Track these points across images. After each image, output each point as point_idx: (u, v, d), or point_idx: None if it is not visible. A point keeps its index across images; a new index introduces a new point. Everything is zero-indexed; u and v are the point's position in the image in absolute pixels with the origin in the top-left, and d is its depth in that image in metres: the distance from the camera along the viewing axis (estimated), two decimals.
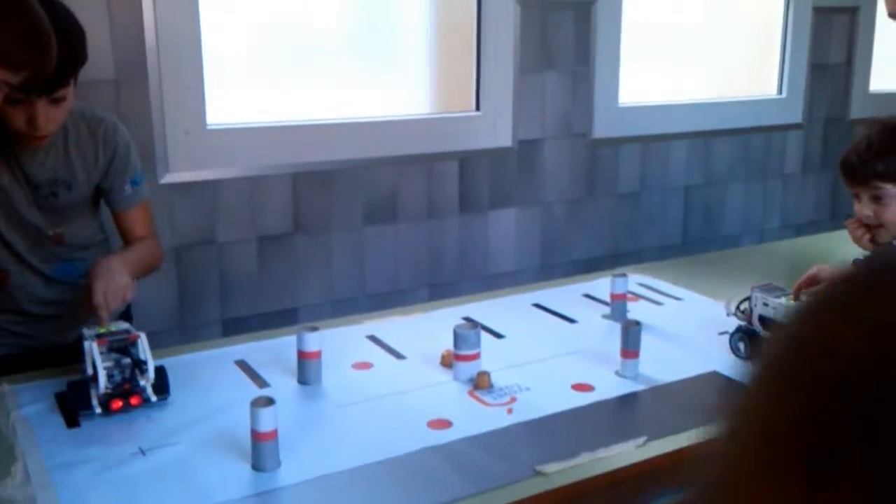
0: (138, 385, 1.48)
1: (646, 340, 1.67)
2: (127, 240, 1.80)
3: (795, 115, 3.51)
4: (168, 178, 2.26)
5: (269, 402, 1.30)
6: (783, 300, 1.69)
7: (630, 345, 1.63)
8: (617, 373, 1.65)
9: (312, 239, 2.52)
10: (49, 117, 1.54)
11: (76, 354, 1.63)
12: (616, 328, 1.77)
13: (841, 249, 2.53)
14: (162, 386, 1.51)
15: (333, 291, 2.59)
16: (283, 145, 2.42)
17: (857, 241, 2.01)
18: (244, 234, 2.41)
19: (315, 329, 1.61)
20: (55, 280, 1.77)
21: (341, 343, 1.78)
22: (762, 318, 1.70)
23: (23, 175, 1.65)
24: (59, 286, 1.78)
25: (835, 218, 3.66)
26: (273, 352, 1.75)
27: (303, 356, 1.59)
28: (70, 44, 1.51)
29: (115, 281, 1.58)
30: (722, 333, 1.80)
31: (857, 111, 3.68)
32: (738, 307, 1.77)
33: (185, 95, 2.24)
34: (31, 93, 1.49)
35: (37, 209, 1.69)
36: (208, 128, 2.29)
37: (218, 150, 2.33)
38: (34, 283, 1.75)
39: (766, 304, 1.70)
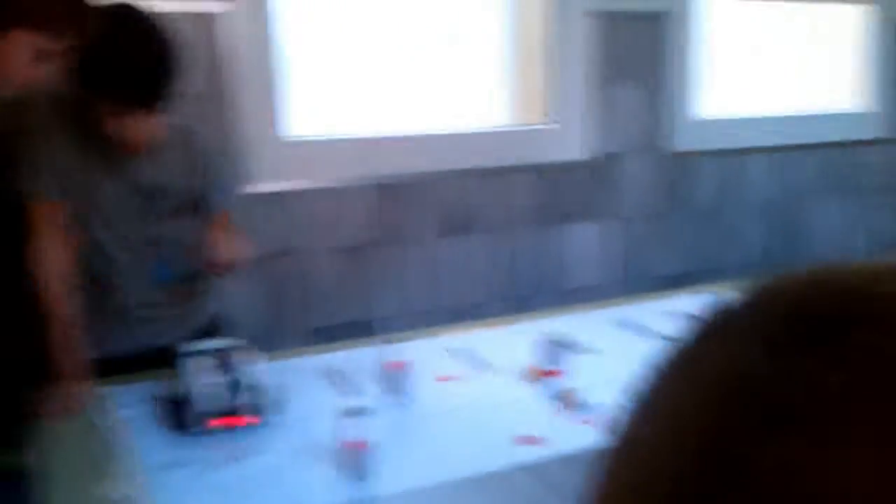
0: (239, 405, 1.49)
1: None
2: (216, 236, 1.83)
3: (881, 129, 3.42)
4: (251, 189, 2.30)
5: (361, 411, 1.31)
6: None
7: None
8: None
9: (388, 251, 2.53)
10: (150, 128, 1.61)
11: (176, 358, 1.68)
12: None
13: None
14: (264, 407, 1.51)
15: (408, 303, 2.59)
16: (361, 158, 2.44)
17: None
18: (320, 245, 2.44)
19: (401, 340, 1.61)
20: (154, 284, 1.81)
21: (424, 355, 1.78)
22: None
23: (126, 183, 1.70)
24: (157, 291, 1.82)
25: None
26: (358, 362, 1.76)
27: (389, 367, 1.59)
28: (169, 58, 1.57)
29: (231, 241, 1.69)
30: None
31: None
32: None
33: (267, 107, 2.27)
34: (134, 106, 1.55)
35: (141, 215, 1.74)
36: (289, 140, 2.33)
37: (298, 161, 2.35)
38: (132, 287, 1.79)
39: None
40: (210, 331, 1.97)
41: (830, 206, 3.37)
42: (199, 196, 1.81)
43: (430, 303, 2.63)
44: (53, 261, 1.66)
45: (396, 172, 2.50)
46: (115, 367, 1.71)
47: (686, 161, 2.99)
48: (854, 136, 3.37)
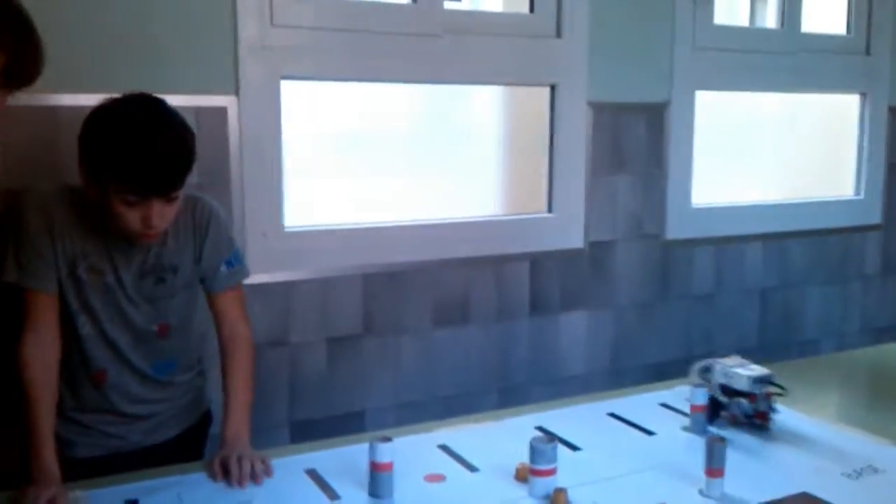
0: None
1: (730, 455, 1.59)
2: (219, 322, 1.83)
3: (874, 216, 3.43)
4: (246, 280, 2.29)
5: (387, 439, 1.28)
6: (743, 371, 1.84)
7: (715, 463, 1.56)
8: (701, 492, 1.58)
9: (382, 341, 2.52)
10: (163, 216, 1.61)
11: (165, 456, 1.71)
12: (697, 441, 1.70)
13: None
14: None
15: (402, 394, 2.57)
16: (356, 247, 2.45)
17: None
18: (315, 336, 2.42)
19: (388, 440, 1.58)
20: (153, 379, 1.80)
21: (412, 452, 1.74)
22: (723, 387, 1.87)
23: (128, 269, 1.70)
24: (155, 385, 1.81)
25: None
26: (343, 460, 1.72)
27: (375, 468, 1.56)
28: (186, 148, 1.61)
29: (249, 460, 1.62)
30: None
31: None
32: (701, 372, 1.92)
33: (265, 199, 2.29)
34: (149, 195, 1.56)
35: (142, 300, 1.73)
36: (286, 230, 2.34)
37: (293, 252, 2.36)
38: (131, 383, 1.78)
39: (727, 375, 1.86)
40: (194, 435, 1.94)
41: (825, 291, 3.36)
42: (203, 270, 1.79)
43: (424, 393, 2.60)
44: (39, 352, 1.65)
45: (391, 261, 2.50)
46: (101, 468, 1.68)
47: (680, 248, 2.99)
48: (848, 223, 3.38)
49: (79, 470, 1.67)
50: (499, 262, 2.68)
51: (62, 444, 1.70)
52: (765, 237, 3.18)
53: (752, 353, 3.13)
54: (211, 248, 1.79)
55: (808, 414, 2.03)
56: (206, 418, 2.00)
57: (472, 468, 1.70)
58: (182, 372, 1.88)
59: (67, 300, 1.70)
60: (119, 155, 1.54)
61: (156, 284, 1.73)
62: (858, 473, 1.68)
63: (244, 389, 1.81)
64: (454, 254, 2.60)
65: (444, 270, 2.60)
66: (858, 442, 1.85)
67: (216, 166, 2.23)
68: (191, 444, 1.92)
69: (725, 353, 3.06)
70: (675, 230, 2.98)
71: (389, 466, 1.56)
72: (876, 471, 1.69)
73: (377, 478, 1.55)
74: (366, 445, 1.61)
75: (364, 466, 1.59)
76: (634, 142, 2.86)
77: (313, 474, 1.66)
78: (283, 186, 2.32)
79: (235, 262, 1.85)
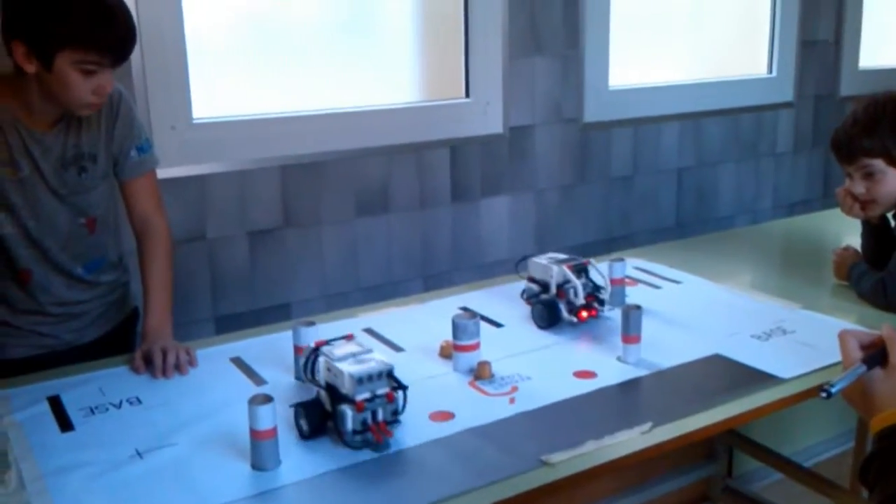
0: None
1: (646, 325, 1.65)
2: (132, 212, 1.82)
3: (786, 94, 3.49)
4: (159, 175, 2.22)
5: (268, 399, 1.27)
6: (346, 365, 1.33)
7: (631, 330, 1.61)
8: (619, 359, 1.63)
9: (303, 232, 2.49)
10: (111, 85, 1.61)
11: (96, 354, 1.71)
12: (615, 313, 1.75)
13: (834, 228, 2.52)
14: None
15: (327, 285, 2.56)
16: (271, 138, 2.39)
17: (848, 211, 1.99)
18: (234, 230, 2.38)
19: (311, 323, 1.58)
20: (79, 279, 1.76)
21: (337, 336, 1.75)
22: (329, 386, 1.35)
23: (47, 160, 1.64)
24: (82, 285, 1.77)
25: (827, 196, 3.65)
26: (269, 348, 1.72)
27: (300, 351, 1.56)
28: (130, 16, 1.58)
29: (172, 351, 1.64)
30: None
31: (847, 88, 3.66)
32: (307, 364, 1.41)
33: (171, 89, 2.20)
34: (109, 63, 1.56)
35: (67, 193, 1.68)
36: (195, 122, 2.26)
37: (205, 144, 2.29)
38: (57, 284, 1.73)
39: (329, 370, 1.35)
40: (128, 329, 1.92)
41: (739, 169, 3.44)
42: (115, 157, 1.76)
43: (349, 284, 2.59)
44: None
45: (309, 152, 2.45)
46: (37, 366, 1.67)
47: (598, 131, 3.01)
48: (761, 101, 3.44)
49: (14, 370, 1.65)
50: (419, 150, 2.65)
51: None
52: (681, 117, 3.21)
53: (669, 232, 3.22)
54: (122, 131, 1.74)
55: (721, 283, 2.10)
56: (135, 315, 1.97)
57: (397, 348, 1.72)
58: (110, 269, 1.84)
59: None
60: (83, 19, 1.51)
61: (78, 175, 1.69)
62: (768, 335, 1.76)
63: (162, 281, 1.78)
64: (373, 142, 2.55)
65: (364, 159, 2.56)
66: (768, 306, 1.93)
67: None
68: (122, 342, 1.90)
69: (634, 235, 3.14)
70: (593, 113, 2.98)
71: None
72: (784, 332, 1.77)
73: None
74: (290, 332, 1.61)
75: (289, 352, 1.60)
76: (551, 23, 2.82)
77: (238, 362, 1.66)
78: (189, 75, 2.22)
79: (147, 149, 1.81)
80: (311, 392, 1.40)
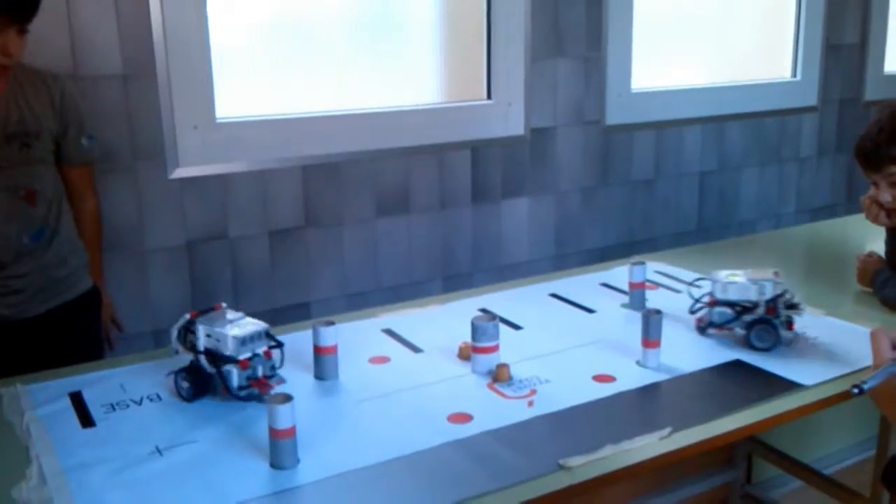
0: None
1: (666, 329, 1.64)
2: (73, 194, 1.92)
3: (810, 98, 3.47)
4: (178, 173, 2.24)
5: (287, 398, 1.28)
6: (228, 330, 1.43)
7: (651, 334, 1.60)
8: (638, 363, 1.62)
9: (324, 232, 2.50)
10: (19, 47, 1.65)
11: (34, 332, 1.82)
12: (635, 317, 1.74)
13: (858, 234, 2.50)
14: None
15: (347, 285, 2.57)
16: (293, 138, 2.40)
17: (874, 220, 1.97)
18: (256, 229, 2.39)
19: (331, 323, 1.58)
20: (24, 253, 1.80)
21: (357, 337, 1.76)
22: (208, 351, 1.44)
23: None
24: (27, 259, 1.80)
25: (851, 201, 3.62)
26: (288, 347, 1.72)
27: (319, 351, 1.56)
28: None
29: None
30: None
31: (871, 93, 3.63)
32: (179, 335, 1.47)
33: (194, 89, 2.22)
34: (12, 20, 1.60)
35: (7, 166, 1.73)
36: (218, 121, 2.27)
37: (228, 143, 2.30)
38: (2, 259, 1.77)
39: (209, 336, 1.43)
40: (81, 308, 1.95)
41: (762, 173, 3.42)
42: (62, 140, 1.84)
43: (369, 283, 2.60)
44: None
45: (331, 152, 2.46)
46: None
47: (620, 134, 3.00)
48: (785, 105, 3.41)
49: None
50: (440, 151, 2.65)
51: None
52: (703, 120, 3.19)
53: (691, 236, 3.21)
54: (69, 116, 1.84)
55: None
56: (89, 300, 1.98)
57: (415, 349, 1.72)
58: (57, 243, 1.86)
59: None
60: None
61: (20, 150, 1.75)
62: (790, 341, 1.74)
63: (94, 251, 2.00)
64: (394, 143, 2.56)
65: (385, 160, 2.56)
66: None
67: (140, 56, 2.14)
68: (64, 323, 1.90)
69: (655, 238, 3.12)
70: (615, 115, 2.98)
71: (333, 349, 1.57)
72: (808, 339, 1.75)
73: (321, 360, 1.56)
74: (309, 332, 1.61)
75: (309, 351, 1.60)
76: (574, 25, 2.82)
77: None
78: (213, 75, 2.24)
79: (94, 139, 1.94)
80: (184, 362, 1.48)
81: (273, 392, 1.41)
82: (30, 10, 1.65)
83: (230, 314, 1.49)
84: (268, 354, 1.46)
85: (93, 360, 1.83)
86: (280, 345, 1.48)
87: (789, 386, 1.54)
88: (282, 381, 1.47)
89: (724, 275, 1.73)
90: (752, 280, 1.70)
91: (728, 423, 1.42)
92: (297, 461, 1.29)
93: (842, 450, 2.94)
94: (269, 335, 1.46)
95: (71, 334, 1.90)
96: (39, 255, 1.83)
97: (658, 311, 1.62)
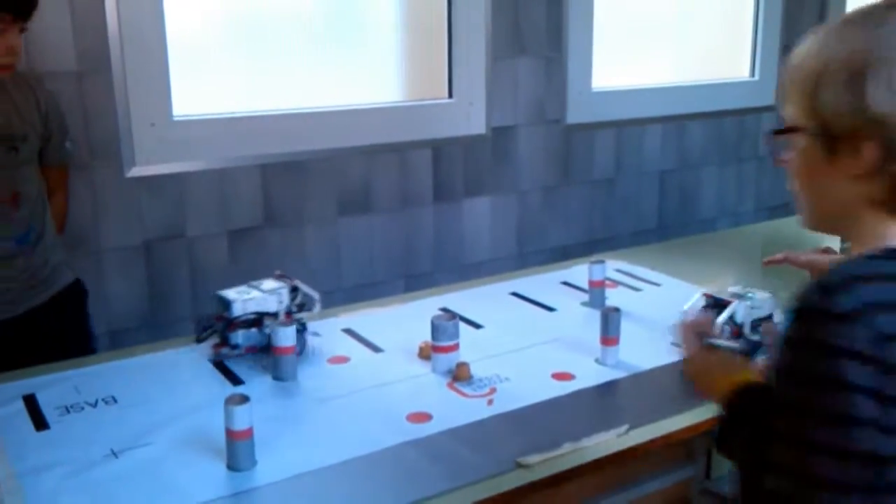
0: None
1: (625, 327, 1.65)
2: (50, 191, 1.94)
3: (768, 98, 3.51)
4: (135, 172, 2.21)
5: (244, 399, 1.27)
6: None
7: (610, 332, 1.61)
8: (597, 360, 1.63)
9: (284, 231, 2.48)
10: (17, 45, 1.67)
11: (29, 328, 1.83)
12: (595, 315, 1.75)
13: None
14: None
15: (308, 284, 2.54)
16: (252, 136, 2.38)
17: None
18: (214, 228, 2.37)
19: (290, 323, 1.57)
20: (8, 257, 1.80)
21: (318, 336, 1.75)
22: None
23: None
24: (13, 262, 1.81)
25: None
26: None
27: (277, 351, 1.55)
28: None
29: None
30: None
31: None
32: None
33: (150, 86, 2.19)
34: (15, 17, 1.63)
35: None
36: (174, 119, 2.24)
37: (185, 141, 2.28)
38: None
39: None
40: (66, 301, 1.94)
41: (722, 172, 3.46)
42: (46, 142, 1.86)
43: (330, 283, 2.59)
44: None
45: (291, 150, 2.44)
46: None
47: (581, 133, 3.01)
48: (744, 104, 3.46)
49: None
50: (401, 150, 2.65)
51: None
52: (664, 120, 3.22)
53: (651, 234, 3.23)
54: (57, 124, 1.89)
55: (701, 286, 2.11)
56: (71, 292, 1.98)
57: (376, 349, 1.71)
58: (40, 247, 1.86)
59: None
60: None
61: (7, 153, 1.75)
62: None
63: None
64: (355, 142, 2.55)
65: (346, 159, 2.55)
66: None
67: (95, 52, 2.11)
68: (56, 318, 1.91)
69: (615, 237, 3.14)
70: (576, 114, 2.99)
71: (291, 350, 1.56)
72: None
73: (279, 361, 1.55)
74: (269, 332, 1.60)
75: (268, 352, 1.59)
76: (535, 24, 2.83)
77: (217, 362, 1.65)
78: (170, 72, 2.21)
79: (74, 142, 2.01)
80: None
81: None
82: (31, 6, 1.67)
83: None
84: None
85: (86, 352, 1.85)
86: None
87: None
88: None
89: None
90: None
91: (685, 419, 1.44)
92: (255, 462, 1.28)
93: None
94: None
95: (60, 328, 1.90)
96: (25, 258, 1.83)
97: (616, 309, 1.63)
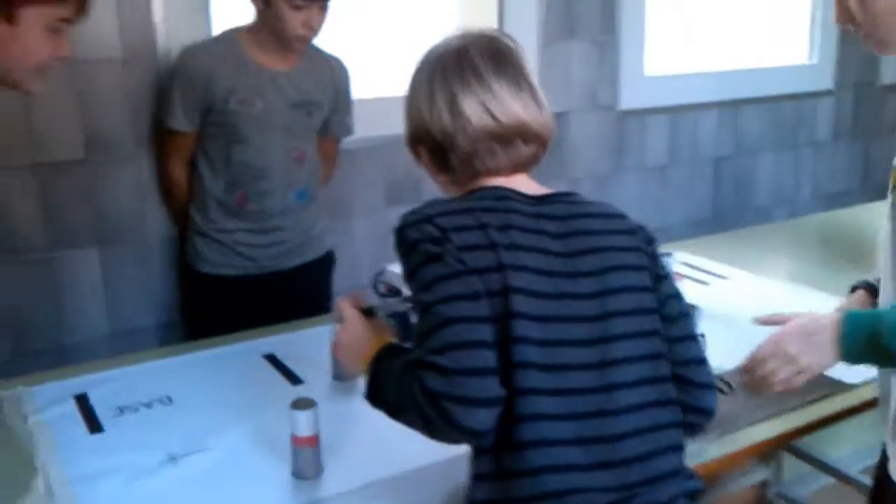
0: None
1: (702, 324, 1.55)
2: (326, 160, 2.11)
3: (826, 82, 3.39)
4: None
5: (310, 404, 1.20)
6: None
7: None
8: None
9: (332, 223, 2.41)
10: (320, 22, 1.82)
11: (286, 284, 1.99)
12: None
13: (874, 222, 2.41)
14: None
15: (360, 275, 2.48)
16: None
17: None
18: None
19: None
20: (285, 209, 1.95)
21: None
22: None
23: (280, 99, 1.88)
24: (288, 215, 1.96)
25: (866, 186, 3.55)
26: (303, 345, 1.64)
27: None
28: None
29: None
30: None
31: (888, 76, 3.55)
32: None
33: None
34: None
35: (289, 130, 1.91)
36: None
37: None
38: (270, 210, 1.93)
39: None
40: (324, 265, 2.12)
41: (778, 158, 3.34)
42: (331, 116, 2.01)
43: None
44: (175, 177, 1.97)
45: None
46: (236, 286, 1.94)
47: (634, 119, 2.91)
48: (801, 89, 3.33)
49: (209, 286, 1.95)
50: None
51: (199, 259, 1.95)
52: (718, 105, 3.11)
53: (706, 223, 3.12)
54: (345, 99, 2.05)
55: (761, 276, 2.02)
56: (329, 260, 2.13)
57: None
58: (313, 202, 2.03)
59: (224, 131, 1.86)
60: None
61: (305, 116, 1.94)
62: None
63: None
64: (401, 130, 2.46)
65: (395, 147, 2.46)
66: (809, 295, 1.84)
67: (141, 40, 2.04)
68: (313, 279, 2.08)
69: (670, 226, 3.03)
70: (629, 100, 2.89)
71: None
72: None
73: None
74: (325, 328, 1.52)
75: (326, 349, 1.51)
76: (587, 8, 2.73)
77: (272, 359, 1.59)
78: None
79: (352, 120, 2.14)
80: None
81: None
82: None
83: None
84: None
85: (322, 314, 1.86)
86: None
87: (832, 384, 1.46)
88: None
89: None
90: None
91: (773, 427, 1.35)
92: (322, 469, 1.21)
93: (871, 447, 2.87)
94: None
95: (314, 289, 2.07)
96: (300, 214, 1.99)
97: (695, 307, 1.54)
